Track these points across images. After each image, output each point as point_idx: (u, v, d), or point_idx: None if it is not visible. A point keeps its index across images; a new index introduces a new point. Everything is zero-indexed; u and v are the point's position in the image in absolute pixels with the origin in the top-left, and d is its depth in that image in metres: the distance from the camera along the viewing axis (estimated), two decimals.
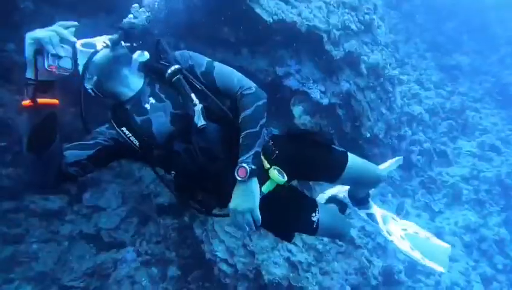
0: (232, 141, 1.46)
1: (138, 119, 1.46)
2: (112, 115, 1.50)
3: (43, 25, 1.21)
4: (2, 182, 3.78)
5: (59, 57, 1.17)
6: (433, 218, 5.58)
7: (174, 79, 1.43)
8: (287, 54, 4.60)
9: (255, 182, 1.39)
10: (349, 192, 2.19)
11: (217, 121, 1.48)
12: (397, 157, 2.27)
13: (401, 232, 2.22)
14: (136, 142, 1.45)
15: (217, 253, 4.13)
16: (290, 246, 4.39)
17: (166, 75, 1.44)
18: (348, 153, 1.79)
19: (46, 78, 1.19)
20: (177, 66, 1.45)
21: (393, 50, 6.12)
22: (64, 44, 1.20)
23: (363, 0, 5.09)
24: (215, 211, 1.64)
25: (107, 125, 1.50)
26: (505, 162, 6.30)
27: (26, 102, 1.17)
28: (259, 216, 1.40)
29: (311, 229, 1.75)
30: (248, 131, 1.39)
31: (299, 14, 4.45)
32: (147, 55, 1.55)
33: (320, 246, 4.53)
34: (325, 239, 4.64)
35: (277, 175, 1.51)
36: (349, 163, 1.73)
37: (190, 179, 1.55)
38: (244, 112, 1.43)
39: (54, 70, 1.16)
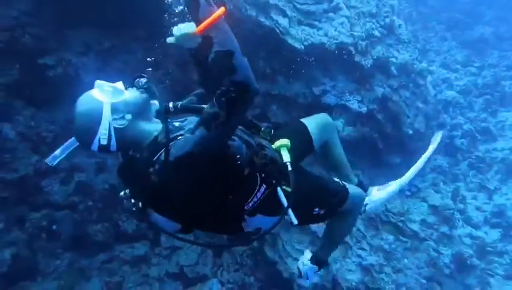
0: None
1: None
2: None
3: None
4: (96, 237, 4.42)
5: None
6: (491, 197, 5.83)
7: None
8: (320, 73, 5.10)
9: None
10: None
11: None
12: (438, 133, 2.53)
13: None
14: None
15: (293, 271, 4.62)
16: (359, 251, 4.84)
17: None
18: None
19: None
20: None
21: (414, 41, 6.49)
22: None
23: (380, 5, 5.53)
24: None
25: None
26: None
27: None
28: None
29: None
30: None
31: (326, 34, 4.94)
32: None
33: (386, 246, 4.97)
34: (390, 238, 5.07)
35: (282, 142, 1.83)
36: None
37: None
38: None
39: None
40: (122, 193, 1.51)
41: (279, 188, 1.70)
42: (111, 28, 4.59)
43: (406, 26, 6.24)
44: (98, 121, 1.39)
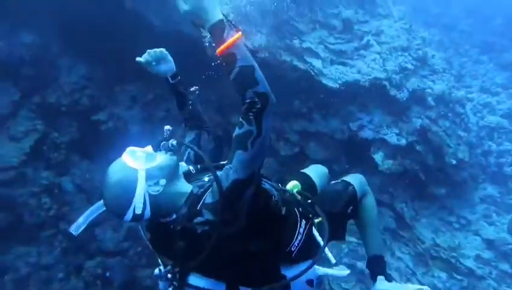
0: None
1: None
2: None
3: None
4: (145, 282, 4.56)
5: None
6: None
7: None
8: (356, 109, 5.20)
9: None
10: None
11: None
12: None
13: None
14: None
15: None
16: None
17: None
18: None
19: None
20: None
21: (449, 69, 6.47)
22: None
23: (411, 38, 5.64)
24: None
25: None
26: None
27: None
28: None
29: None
30: None
31: (359, 71, 5.09)
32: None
33: (440, 285, 4.76)
34: (442, 276, 4.85)
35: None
36: None
37: None
38: None
39: None
40: (156, 271, 1.48)
41: (313, 227, 1.80)
42: (153, 80, 4.98)
43: (438, 54, 6.28)
44: (133, 190, 1.37)
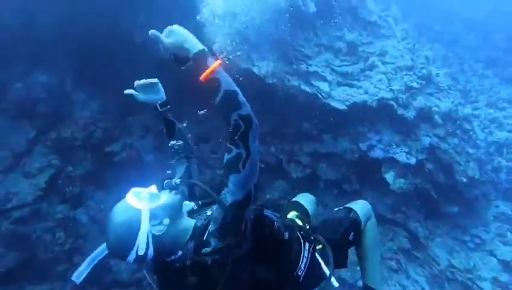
0: None
1: None
2: None
3: None
4: None
5: None
6: None
7: None
8: (365, 129, 5.24)
9: None
10: None
11: None
12: None
13: None
14: None
15: None
16: None
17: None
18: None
19: None
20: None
21: (454, 84, 6.53)
22: None
23: (414, 57, 5.73)
24: None
25: None
26: None
27: None
28: None
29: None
30: None
31: (366, 92, 5.16)
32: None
33: None
34: None
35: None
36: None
37: None
38: None
39: None
40: None
41: (316, 253, 1.88)
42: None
43: (443, 70, 6.35)
44: (136, 230, 1.37)
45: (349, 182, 5.39)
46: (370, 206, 2.40)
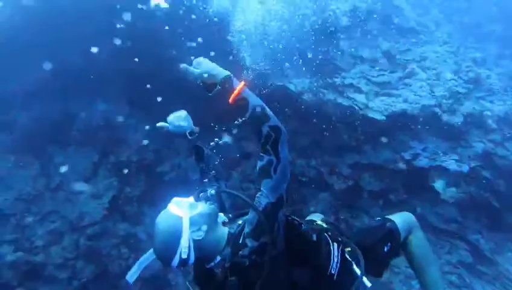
0: None
1: None
2: None
3: None
4: None
5: None
6: None
7: None
8: (407, 138, 5.12)
9: None
10: None
11: None
12: None
13: None
14: None
15: None
16: None
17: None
18: None
19: None
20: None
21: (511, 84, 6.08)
22: None
23: (459, 60, 5.50)
24: None
25: None
26: None
27: None
28: None
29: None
30: None
31: (406, 100, 5.07)
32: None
33: None
34: None
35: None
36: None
37: None
38: None
39: None
40: None
41: (346, 254, 1.92)
42: (209, 127, 5.49)
43: (496, 72, 5.95)
44: (179, 235, 1.51)
45: (395, 192, 5.25)
46: (414, 219, 2.36)
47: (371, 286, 1.88)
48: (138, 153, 4.73)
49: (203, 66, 1.67)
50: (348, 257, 1.94)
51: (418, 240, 2.27)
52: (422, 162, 5.05)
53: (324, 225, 2.12)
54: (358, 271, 1.89)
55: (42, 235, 4.46)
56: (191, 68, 1.68)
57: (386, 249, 2.15)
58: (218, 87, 1.64)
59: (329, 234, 1.98)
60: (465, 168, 4.92)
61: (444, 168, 4.96)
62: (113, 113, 4.96)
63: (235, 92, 1.58)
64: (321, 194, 5.44)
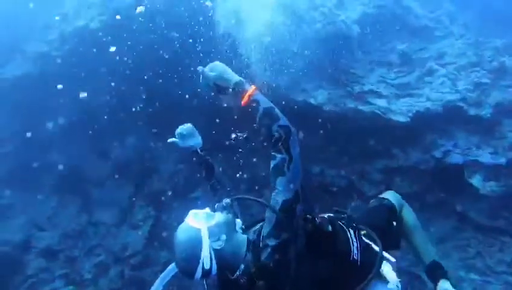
0: None
1: None
2: None
3: None
4: None
5: None
6: None
7: None
8: (435, 136, 5.03)
9: None
10: None
11: None
12: None
13: None
14: None
15: None
16: None
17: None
18: None
19: None
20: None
21: None
22: None
23: (479, 51, 5.36)
24: None
25: None
26: None
27: None
28: None
29: None
30: None
31: (428, 99, 5.01)
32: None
33: None
34: None
35: None
36: None
37: None
38: None
39: None
40: None
41: (363, 237, 1.99)
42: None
43: None
44: (199, 246, 1.55)
45: (431, 192, 5.14)
46: (399, 195, 2.57)
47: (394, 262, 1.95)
48: (170, 181, 4.94)
49: (218, 69, 1.80)
50: (365, 239, 2.01)
51: (409, 212, 2.51)
52: (455, 158, 4.92)
53: (335, 214, 2.17)
54: (377, 249, 1.94)
55: (90, 269, 4.71)
56: (207, 71, 1.81)
57: (394, 224, 2.32)
58: (229, 90, 1.77)
59: (343, 222, 2.04)
60: (502, 160, 4.74)
61: (479, 162, 4.81)
62: (143, 147, 5.24)
63: (247, 94, 1.70)
64: (354, 202, 5.39)
